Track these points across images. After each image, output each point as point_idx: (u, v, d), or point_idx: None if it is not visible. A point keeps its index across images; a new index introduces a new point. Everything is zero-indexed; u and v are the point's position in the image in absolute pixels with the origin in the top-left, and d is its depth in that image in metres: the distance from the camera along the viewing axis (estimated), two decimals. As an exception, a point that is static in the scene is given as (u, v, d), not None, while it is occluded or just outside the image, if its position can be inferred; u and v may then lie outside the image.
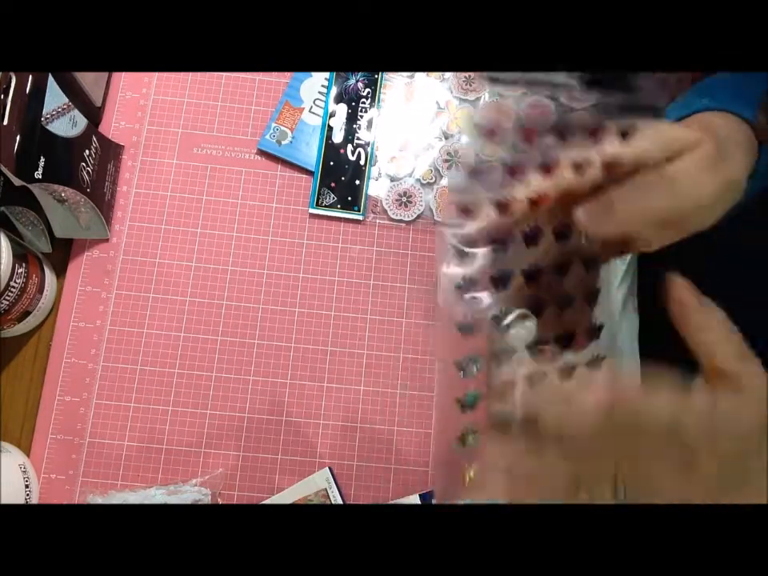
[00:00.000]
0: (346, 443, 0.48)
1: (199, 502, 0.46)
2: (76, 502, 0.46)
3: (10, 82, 0.39)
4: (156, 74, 0.55)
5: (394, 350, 0.50)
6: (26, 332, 0.49)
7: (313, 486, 0.47)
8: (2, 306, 0.44)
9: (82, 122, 0.47)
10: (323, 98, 0.54)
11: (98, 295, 0.50)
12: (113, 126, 0.54)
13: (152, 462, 0.47)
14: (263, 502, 0.47)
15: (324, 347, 0.50)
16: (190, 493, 0.46)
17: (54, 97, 0.44)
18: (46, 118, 0.43)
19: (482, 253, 0.26)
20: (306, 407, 0.49)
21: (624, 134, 0.26)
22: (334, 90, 0.54)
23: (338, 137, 0.53)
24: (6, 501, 0.43)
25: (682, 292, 0.27)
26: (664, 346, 0.54)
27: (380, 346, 0.50)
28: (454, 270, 0.25)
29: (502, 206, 0.25)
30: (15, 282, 0.44)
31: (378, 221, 0.52)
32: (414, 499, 0.46)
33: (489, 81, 0.26)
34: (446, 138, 0.54)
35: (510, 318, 0.26)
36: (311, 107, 0.54)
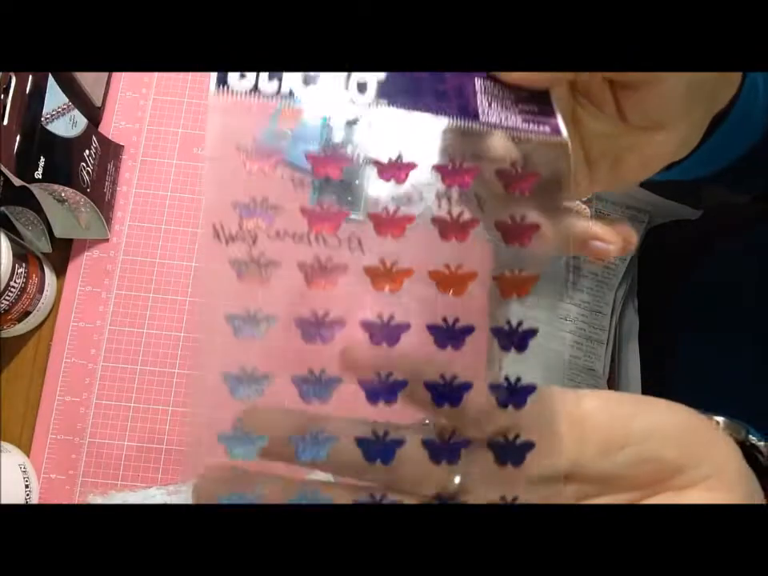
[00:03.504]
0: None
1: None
2: (76, 502, 0.46)
3: (10, 82, 0.39)
4: (156, 74, 0.55)
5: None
6: (25, 332, 0.49)
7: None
8: (2, 306, 0.44)
9: (82, 122, 0.47)
10: (323, 98, 0.54)
11: (98, 295, 0.50)
12: (113, 126, 0.53)
13: (152, 462, 0.47)
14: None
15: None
16: (190, 493, 0.46)
17: (54, 97, 0.44)
18: (46, 118, 0.43)
19: None
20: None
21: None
22: (334, 90, 0.54)
23: (337, 137, 0.53)
24: (6, 501, 0.43)
25: None
26: (664, 346, 0.55)
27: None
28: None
29: None
30: (15, 281, 0.44)
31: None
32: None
33: None
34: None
35: None
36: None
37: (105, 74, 0.53)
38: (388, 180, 0.23)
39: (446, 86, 0.23)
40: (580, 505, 0.24)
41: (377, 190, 0.24)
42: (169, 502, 0.46)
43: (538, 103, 0.24)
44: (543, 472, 0.24)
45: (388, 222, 0.23)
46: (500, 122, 0.23)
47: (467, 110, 0.23)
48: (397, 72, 0.23)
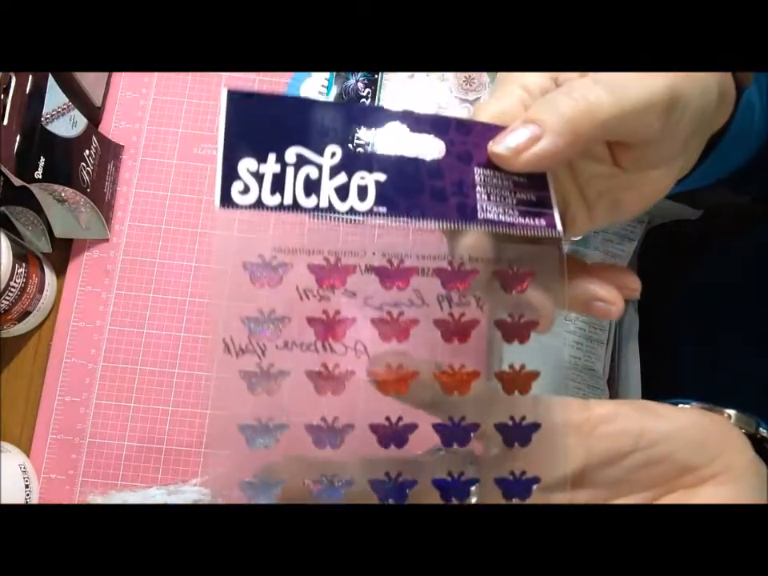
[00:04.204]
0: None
1: (199, 502, 0.46)
2: (76, 502, 0.46)
3: (10, 82, 0.39)
4: (156, 74, 0.55)
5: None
6: (25, 332, 0.49)
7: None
8: (2, 305, 0.44)
9: (81, 122, 0.47)
10: (323, 98, 0.54)
11: (98, 295, 0.50)
12: (113, 126, 0.53)
13: (152, 462, 0.47)
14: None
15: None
16: (190, 493, 0.46)
17: (54, 97, 0.44)
18: (46, 118, 0.43)
19: None
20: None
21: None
22: (334, 90, 0.54)
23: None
24: (5, 501, 0.43)
25: None
26: (664, 346, 0.54)
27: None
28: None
29: None
30: (15, 281, 0.44)
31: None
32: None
33: None
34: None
35: None
36: (311, 107, 0.54)
37: (105, 74, 0.53)
38: (390, 288, 0.23)
39: (445, 182, 0.23)
40: (587, 505, 0.24)
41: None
42: (169, 502, 0.46)
43: (535, 189, 0.24)
44: (551, 483, 0.24)
45: (392, 328, 0.23)
46: (497, 218, 0.23)
47: (465, 207, 0.23)
48: (395, 172, 0.23)
